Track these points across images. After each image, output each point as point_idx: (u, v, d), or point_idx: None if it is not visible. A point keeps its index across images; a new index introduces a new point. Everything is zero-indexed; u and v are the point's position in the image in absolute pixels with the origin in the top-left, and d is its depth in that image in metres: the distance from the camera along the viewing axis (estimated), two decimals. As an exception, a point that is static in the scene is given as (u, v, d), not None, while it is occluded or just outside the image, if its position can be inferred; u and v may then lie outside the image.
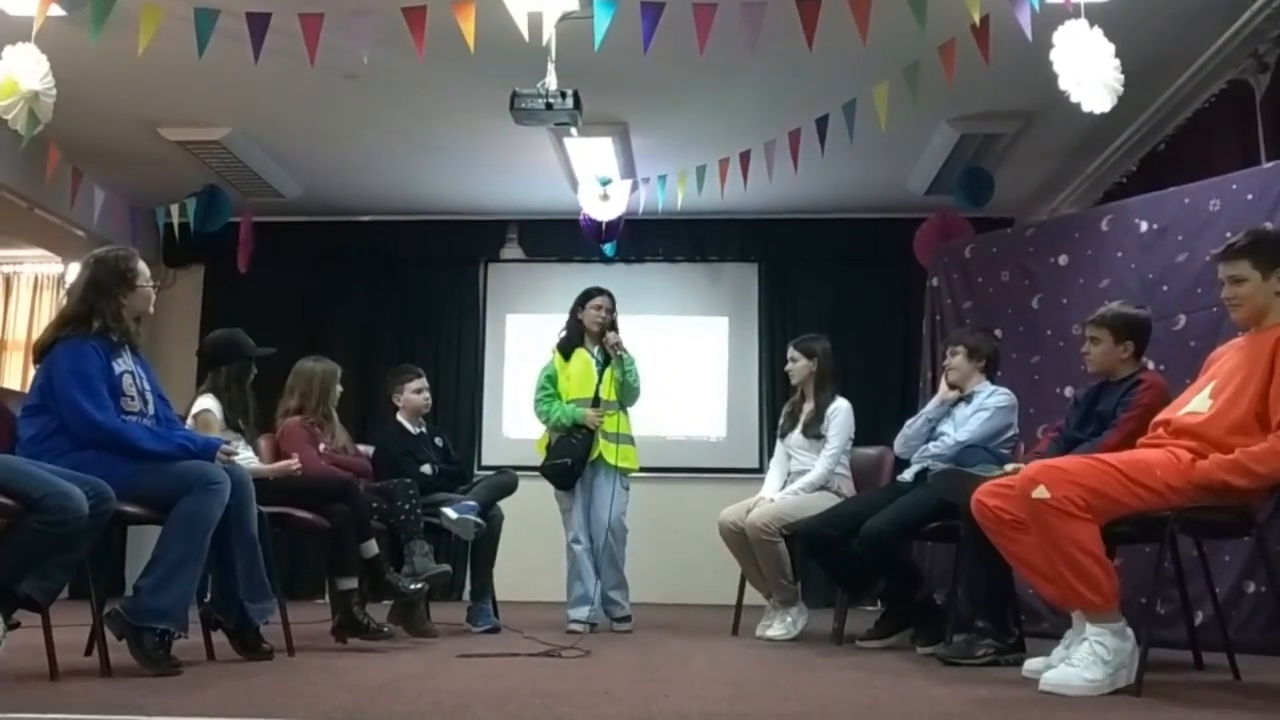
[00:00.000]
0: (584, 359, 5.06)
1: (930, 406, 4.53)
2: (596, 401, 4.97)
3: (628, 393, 5.04)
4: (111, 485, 3.02)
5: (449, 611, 5.30)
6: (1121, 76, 3.95)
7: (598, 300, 5.07)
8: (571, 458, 4.88)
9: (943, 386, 4.52)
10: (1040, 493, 2.91)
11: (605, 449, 4.93)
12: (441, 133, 6.31)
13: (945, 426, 4.42)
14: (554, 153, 6.46)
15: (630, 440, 5.07)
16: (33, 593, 2.86)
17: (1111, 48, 3.93)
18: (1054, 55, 3.96)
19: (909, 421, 4.57)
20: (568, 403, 4.99)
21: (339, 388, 4.80)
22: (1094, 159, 6.30)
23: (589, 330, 5.06)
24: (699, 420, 7.61)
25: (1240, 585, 4.17)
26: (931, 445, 4.39)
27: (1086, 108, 4.00)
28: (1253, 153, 4.71)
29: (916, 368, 6.25)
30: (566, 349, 5.10)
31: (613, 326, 5.06)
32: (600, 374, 5.01)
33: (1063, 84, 3.98)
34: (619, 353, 5.00)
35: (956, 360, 4.48)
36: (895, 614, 4.35)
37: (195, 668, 3.22)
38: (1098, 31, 3.93)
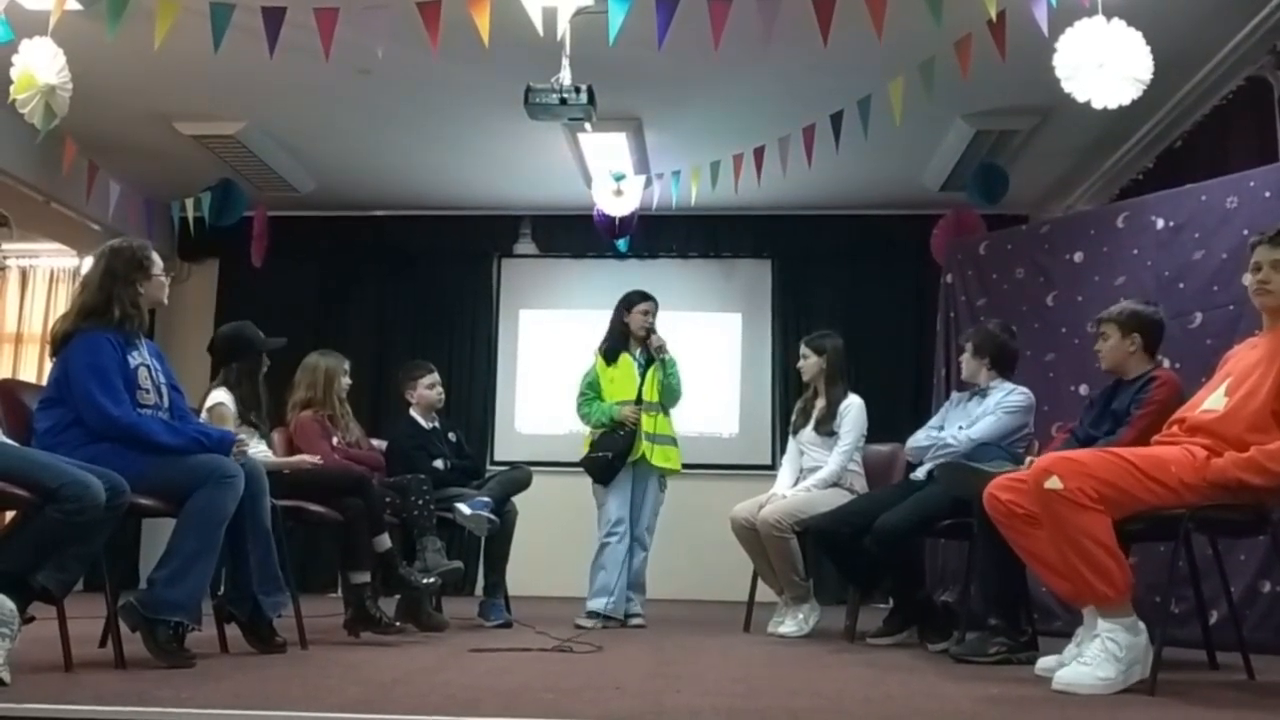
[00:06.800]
0: (627, 362, 5.14)
1: (948, 433, 4.37)
2: (639, 402, 5.03)
3: (669, 394, 5.13)
4: (126, 478, 3.03)
5: (461, 606, 5.31)
6: (1149, 64, 3.91)
7: (644, 305, 5.16)
8: (612, 452, 4.96)
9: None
10: (1053, 483, 2.90)
11: (647, 449, 4.99)
12: (455, 128, 6.32)
13: (960, 420, 4.38)
14: (568, 148, 6.46)
15: (672, 441, 5.16)
16: (48, 584, 2.87)
17: (1138, 35, 3.89)
18: (1055, 60, 3.93)
19: (927, 436, 4.43)
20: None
21: (347, 379, 4.80)
22: (1110, 156, 6.27)
23: (634, 334, 5.14)
24: (712, 416, 7.57)
25: (1255, 585, 4.15)
26: (945, 437, 4.34)
27: (1098, 104, 3.97)
28: (1270, 150, 4.67)
29: (930, 365, 6.23)
30: (610, 353, 5.17)
31: (652, 329, 5.14)
32: (642, 376, 5.07)
33: (1065, 87, 3.96)
34: (663, 355, 5.07)
35: (964, 358, 4.44)
36: (902, 610, 4.34)
37: (208, 660, 3.24)
38: (1118, 23, 3.90)
